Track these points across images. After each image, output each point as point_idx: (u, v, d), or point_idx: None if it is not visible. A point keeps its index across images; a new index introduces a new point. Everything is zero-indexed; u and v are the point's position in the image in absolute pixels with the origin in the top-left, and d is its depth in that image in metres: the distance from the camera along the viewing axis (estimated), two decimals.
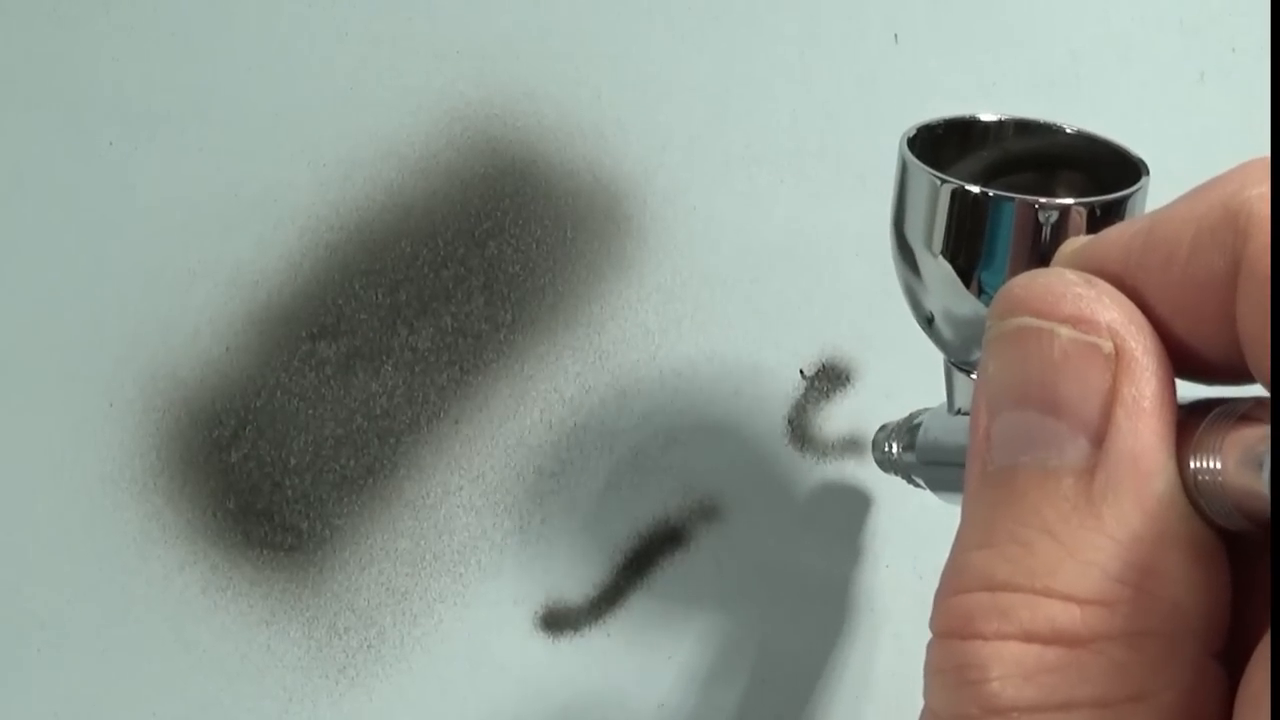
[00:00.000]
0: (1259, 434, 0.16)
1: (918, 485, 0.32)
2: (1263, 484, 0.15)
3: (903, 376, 0.36)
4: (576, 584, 0.34)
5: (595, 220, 0.34)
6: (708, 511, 0.35)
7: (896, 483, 0.36)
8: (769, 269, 0.35)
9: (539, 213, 0.33)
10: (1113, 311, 0.17)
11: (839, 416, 0.36)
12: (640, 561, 0.35)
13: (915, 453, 0.31)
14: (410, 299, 0.33)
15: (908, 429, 0.32)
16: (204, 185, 0.31)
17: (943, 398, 0.34)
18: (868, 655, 0.36)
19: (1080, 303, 0.18)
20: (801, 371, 0.35)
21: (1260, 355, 0.17)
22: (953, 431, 0.29)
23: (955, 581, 0.18)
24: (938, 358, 0.33)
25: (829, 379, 0.36)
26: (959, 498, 0.29)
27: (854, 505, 0.36)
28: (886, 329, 0.36)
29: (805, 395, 0.35)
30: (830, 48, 0.35)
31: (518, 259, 0.33)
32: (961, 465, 0.27)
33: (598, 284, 0.34)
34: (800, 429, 0.35)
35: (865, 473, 0.36)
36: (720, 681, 0.36)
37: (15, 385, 0.31)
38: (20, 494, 0.31)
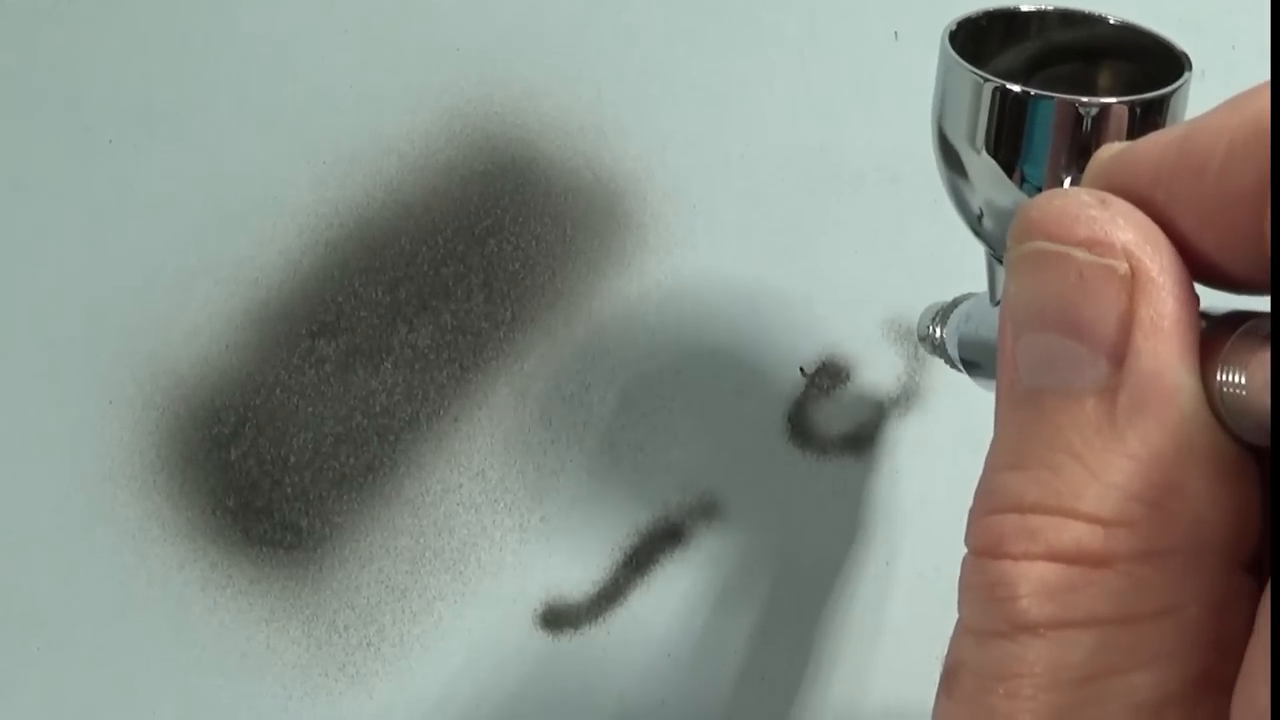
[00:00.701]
0: None
1: (960, 370, 0.32)
2: None
3: (903, 375, 0.36)
4: (576, 582, 0.34)
5: (595, 218, 0.34)
6: (708, 510, 0.35)
7: (897, 481, 0.36)
8: (768, 266, 0.35)
9: (539, 210, 0.33)
10: (1128, 232, 0.18)
11: (839, 414, 0.36)
12: (640, 559, 0.35)
13: (958, 343, 0.31)
14: (410, 296, 0.33)
15: (950, 314, 0.32)
16: (204, 183, 0.31)
17: (941, 392, 0.34)
18: (866, 651, 0.36)
19: (1094, 225, 0.18)
20: (801, 369, 0.35)
21: None
22: (992, 323, 0.29)
23: (987, 501, 0.18)
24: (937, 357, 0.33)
25: (829, 377, 0.36)
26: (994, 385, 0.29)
27: (854, 503, 0.36)
28: (887, 327, 0.36)
29: (805, 393, 0.35)
30: (830, 47, 0.35)
31: (517, 256, 0.33)
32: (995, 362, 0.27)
33: (597, 282, 0.34)
34: (800, 427, 0.35)
35: (865, 471, 0.36)
36: (720, 679, 0.36)
37: (15, 383, 0.31)
38: (20, 492, 0.31)
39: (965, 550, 0.18)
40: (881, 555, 0.36)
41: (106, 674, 0.31)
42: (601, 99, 0.34)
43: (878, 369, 0.36)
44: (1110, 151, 0.20)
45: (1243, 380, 0.17)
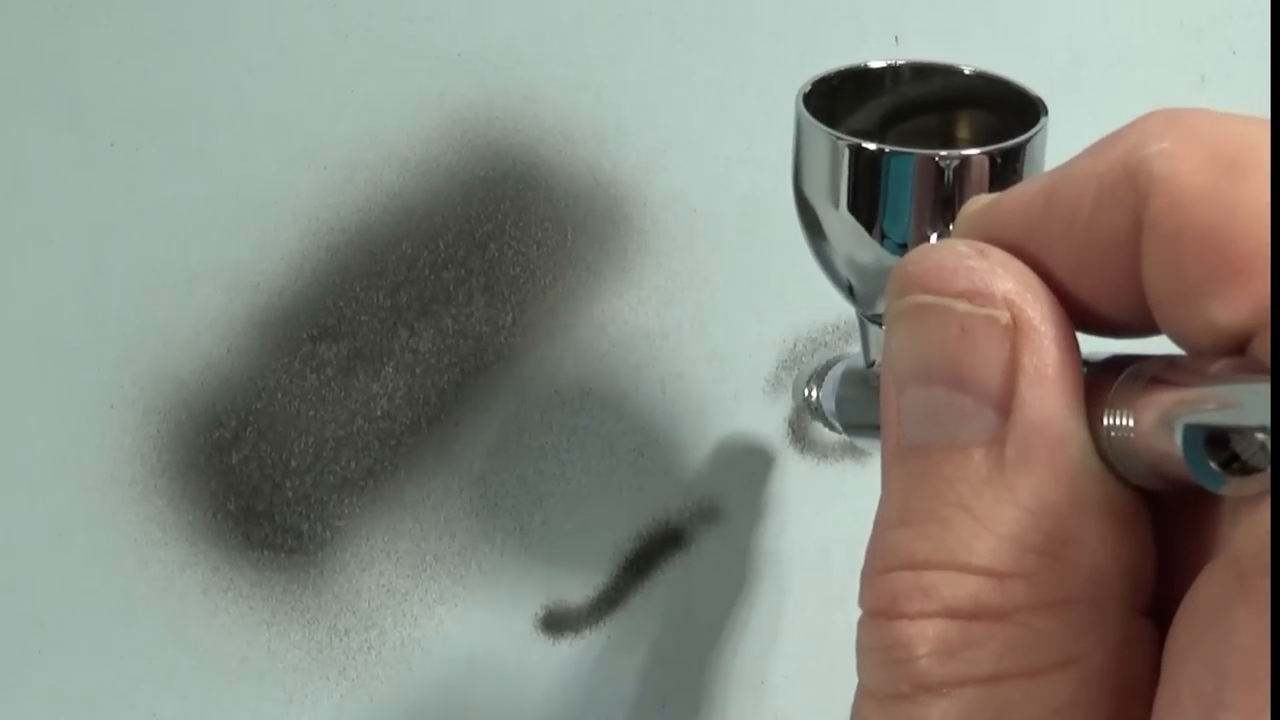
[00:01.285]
0: (1171, 397, 0.16)
1: (836, 431, 0.32)
2: (1175, 447, 0.15)
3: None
4: (577, 586, 0.34)
5: (596, 222, 0.34)
6: (708, 513, 0.35)
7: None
8: (769, 269, 0.35)
9: (540, 215, 0.33)
10: (1007, 281, 0.17)
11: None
12: (641, 563, 0.35)
13: (835, 406, 0.31)
14: (411, 301, 0.33)
15: (824, 376, 0.32)
16: (205, 187, 0.31)
17: None
18: None
19: (974, 275, 0.17)
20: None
21: (1167, 313, 0.17)
22: (867, 384, 0.29)
23: (879, 561, 0.18)
24: None
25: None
26: (876, 445, 0.29)
27: (854, 507, 0.36)
28: None
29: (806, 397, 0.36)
30: (830, 48, 0.35)
31: (518, 261, 0.33)
32: (875, 423, 0.27)
33: (598, 286, 0.34)
34: (800, 431, 0.36)
35: (866, 474, 0.36)
36: (720, 683, 0.36)
37: (16, 387, 0.31)
38: (21, 495, 0.31)
39: (859, 613, 0.18)
40: None
41: (107, 676, 0.32)
42: (602, 104, 0.34)
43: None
44: (978, 205, 0.19)
45: (1130, 423, 0.16)
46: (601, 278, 0.34)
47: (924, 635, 0.17)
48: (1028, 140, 0.24)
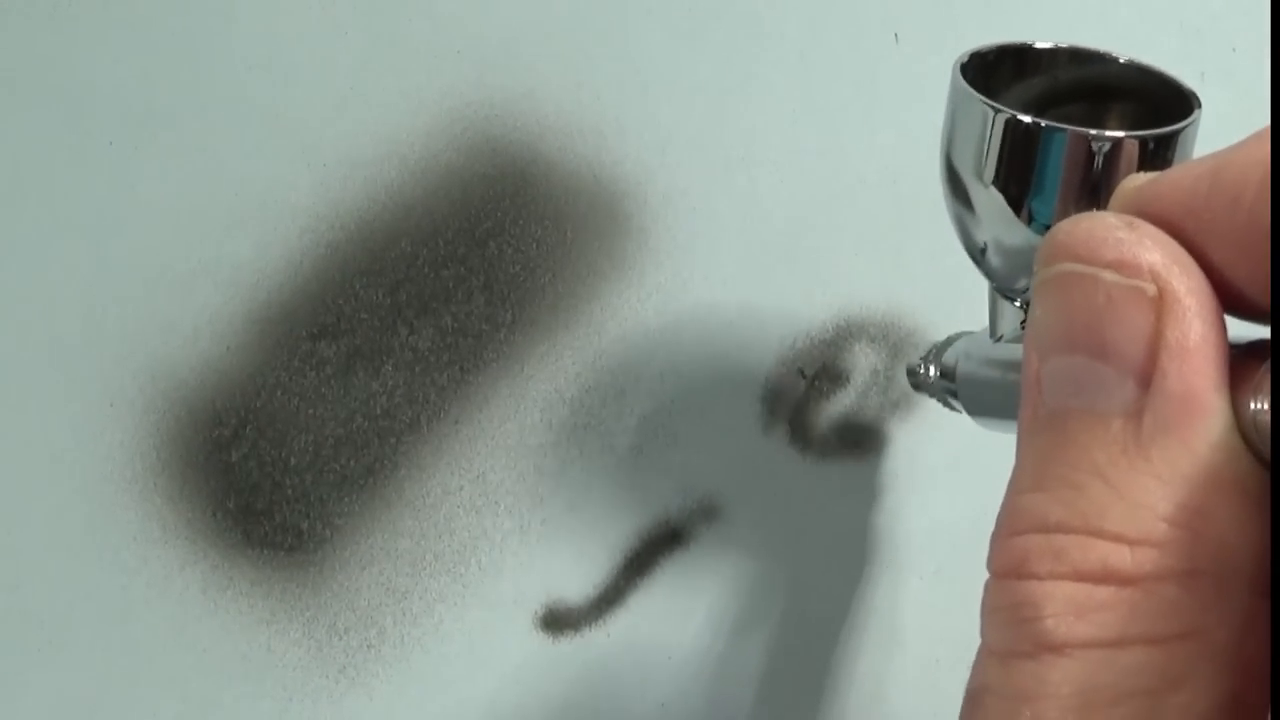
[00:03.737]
0: None
1: (953, 408, 0.32)
2: None
3: (902, 375, 0.36)
4: (577, 584, 0.34)
5: (595, 220, 0.34)
6: (708, 512, 0.35)
7: (896, 484, 0.36)
8: (769, 269, 0.35)
9: (539, 213, 0.33)
10: (1155, 254, 0.18)
11: (839, 417, 0.36)
12: (641, 562, 0.35)
13: (955, 378, 0.31)
14: (411, 299, 0.33)
15: (943, 352, 0.32)
16: (204, 185, 0.31)
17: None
18: (866, 654, 0.36)
19: (1122, 247, 0.18)
20: (801, 371, 0.35)
21: None
22: (993, 358, 0.29)
23: (1011, 523, 0.18)
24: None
25: (829, 380, 0.36)
26: (996, 423, 0.29)
27: (854, 505, 0.36)
28: (887, 330, 0.36)
29: (805, 395, 0.35)
30: (830, 48, 0.35)
31: (518, 259, 0.33)
32: (999, 392, 0.27)
33: (598, 284, 0.34)
34: (801, 430, 0.35)
35: (865, 474, 0.36)
36: (721, 682, 0.36)
37: (15, 385, 0.31)
38: (20, 494, 0.31)
39: (987, 575, 0.18)
40: (880, 558, 0.36)
41: (107, 675, 0.31)
42: (602, 101, 0.34)
43: (878, 371, 0.36)
44: (1137, 181, 0.19)
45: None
46: (601, 276, 0.34)
47: (1051, 596, 0.17)
48: (1181, 129, 0.24)
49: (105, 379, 0.31)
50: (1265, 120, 0.38)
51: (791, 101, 0.35)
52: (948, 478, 0.36)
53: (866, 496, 0.36)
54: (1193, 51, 0.38)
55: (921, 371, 0.33)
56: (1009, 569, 0.18)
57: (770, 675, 0.36)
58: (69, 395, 0.31)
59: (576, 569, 0.34)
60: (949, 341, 0.32)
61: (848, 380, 0.36)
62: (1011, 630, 0.18)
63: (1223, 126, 0.39)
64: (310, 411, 0.32)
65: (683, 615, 0.35)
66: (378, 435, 0.33)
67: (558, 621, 0.34)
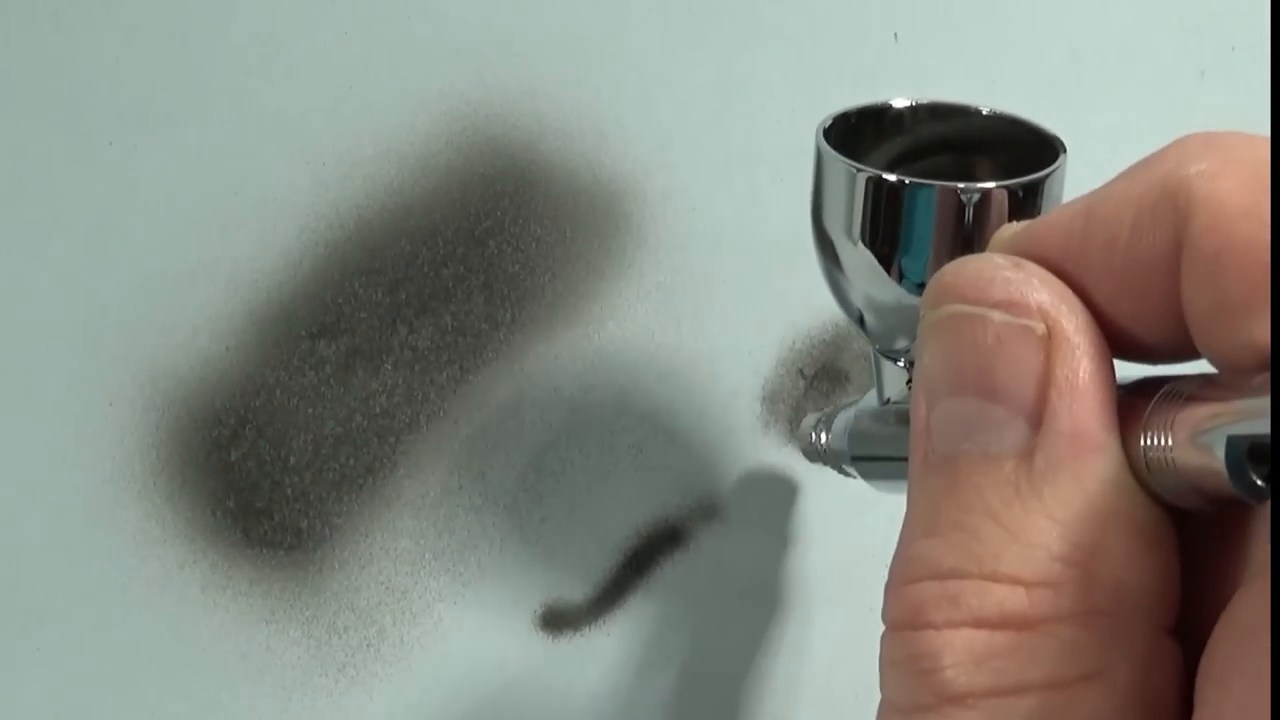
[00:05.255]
0: (1208, 412, 0.16)
1: (848, 475, 0.32)
2: (1217, 459, 0.15)
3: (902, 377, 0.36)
4: (576, 583, 0.34)
5: (595, 219, 0.34)
6: (707, 511, 0.35)
7: (899, 495, 0.36)
8: (769, 269, 0.35)
9: (539, 212, 0.33)
10: (1043, 293, 0.17)
11: (842, 431, 0.36)
12: (640, 561, 0.35)
13: (847, 442, 0.31)
14: (410, 298, 0.33)
15: (834, 418, 0.32)
16: (204, 185, 0.31)
17: None
18: (868, 654, 0.36)
19: (1010, 286, 0.18)
20: (801, 371, 0.35)
21: (1207, 331, 0.17)
22: (882, 421, 0.29)
23: (904, 572, 0.18)
24: None
25: (829, 379, 0.36)
26: (891, 485, 0.29)
27: (854, 505, 0.36)
28: None
29: (805, 395, 0.35)
30: (830, 46, 0.35)
31: (517, 258, 0.33)
32: (892, 456, 0.27)
33: (597, 283, 0.34)
34: (804, 445, 0.35)
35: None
36: (720, 681, 0.36)
37: (15, 385, 0.31)
38: (20, 494, 0.31)
39: (882, 627, 0.18)
40: (880, 557, 0.36)
41: (106, 674, 0.31)
42: (601, 100, 0.34)
43: None
44: (1012, 230, 0.19)
45: (1168, 440, 0.16)
46: (601, 275, 0.34)
47: (950, 645, 0.17)
48: (1048, 175, 0.24)
49: (105, 378, 0.31)
50: (1265, 121, 0.38)
51: (791, 101, 0.35)
52: None
53: (865, 496, 0.36)
54: (1193, 51, 0.38)
55: (813, 440, 0.33)
56: (905, 620, 0.17)
57: (770, 675, 0.36)
58: (69, 395, 0.31)
59: (576, 568, 0.34)
60: (837, 410, 0.32)
61: (847, 380, 0.36)
62: (911, 682, 0.17)
63: (1223, 125, 0.39)
64: (309, 411, 0.32)
65: (682, 615, 0.35)
66: (377, 434, 0.33)
67: (557, 620, 0.34)
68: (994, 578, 0.17)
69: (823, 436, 0.32)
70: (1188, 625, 0.17)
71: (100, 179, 0.31)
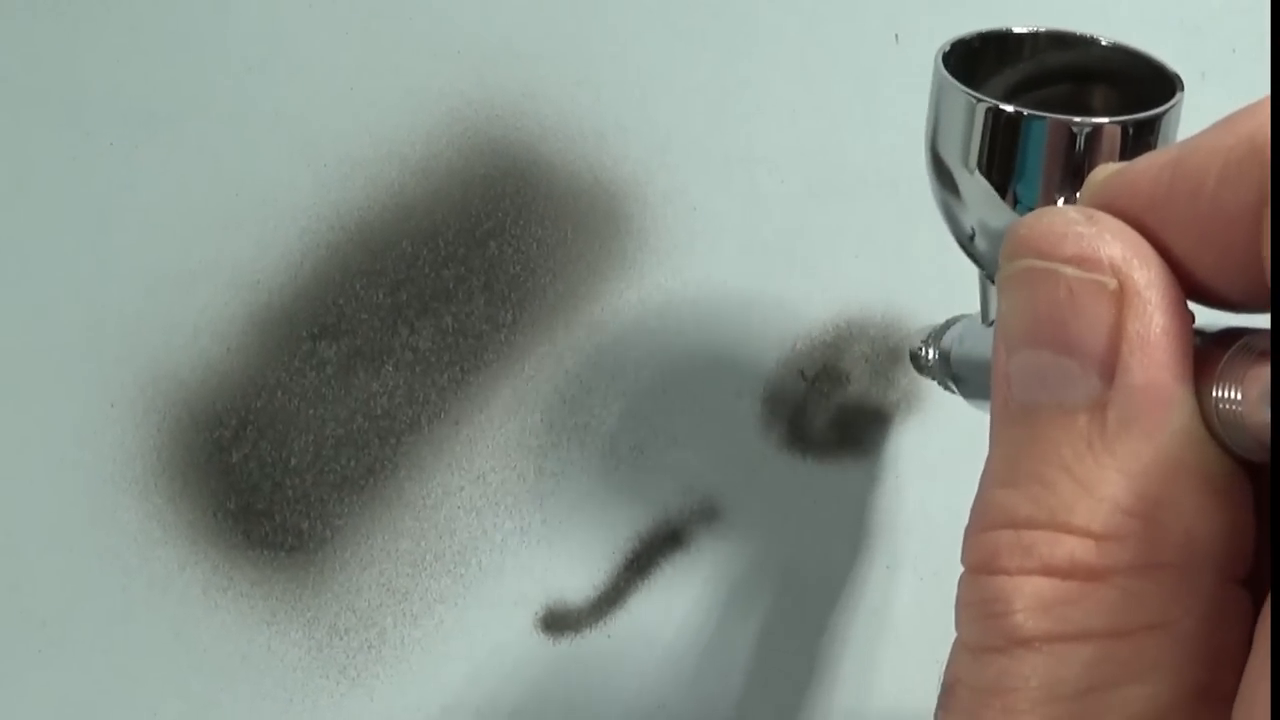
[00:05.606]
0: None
1: (951, 390, 0.32)
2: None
3: (902, 377, 0.36)
4: (577, 585, 0.34)
5: (596, 221, 0.34)
6: (708, 513, 0.35)
7: (897, 485, 0.36)
8: (769, 269, 0.35)
9: (540, 213, 0.33)
10: (1115, 247, 0.18)
11: (840, 419, 0.36)
12: (641, 563, 0.35)
13: (950, 363, 0.31)
14: (411, 299, 0.33)
15: (943, 335, 0.32)
16: (204, 185, 0.31)
17: (941, 396, 0.34)
18: (868, 655, 0.36)
19: (1082, 241, 0.18)
20: (802, 373, 0.35)
21: None
22: (985, 342, 0.29)
23: (982, 518, 0.18)
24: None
25: (830, 381, 0.36)
26: (988, 406, 0.29)
27: (854, 506, 0.36)
28: (887, 331, 0.36)
29: (806, 396, 0.35)
30: (830, 48, 0.35)
31: (518, 259, 0.33)
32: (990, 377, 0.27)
33: (598, 284, 0.34)
34: (801, 431, 0.35)
35: (866, 475, 0.36)
36: (720, 682, 0.36)
37: (16, 386, 0.31)
38: (20, 494, 0.31)
39: (961, 568, 0.19)
40: (882, 559, 0.36)
41: (107, 676, 0.31)
42: (602, 102, 0.34)
43: (878, 373, 0.36)
44: (1105, 172, 0.20)
45: (1238, 396, 0.17)
46: (602, 276, 0.34)
47: (1021, 591, 0.17)
48: (1162, 114, 0.24)
49: (106, 380, 0.31)
50: (1264, 119, 0.38)
51: (791, 101, 0.35)
52: (947, 478, 0.36)
53: (866, 497, 0.36)
54: (1193, 51, 0.38)
55: (922, 354, 0.33)
56: (980, 564, 0.18)
57: (770, 675, 0.36)
58: (69, 396, 0.31)
59: (576, 569, 0.34)
60: (947, 324, 0.33)
61: (848, 381, 0.36)
62: (983, 624, 0.18)
63: None
64: (311, 412, 0.32)
65: (683, 616, 0.35)
66: (378, 436, 0.33)
67: (558, 621, 0.34)
68: (1066, 529, 0.17)
69: (930, 352, 0.33)
70: (1261, 575, 0.17)
71: (101, 180, 0.31)
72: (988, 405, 0.29)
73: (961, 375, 0.31)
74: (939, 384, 0.33)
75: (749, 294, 0.35)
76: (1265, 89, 0.39)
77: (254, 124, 0.31)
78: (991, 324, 0.29)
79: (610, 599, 0.34)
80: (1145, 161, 0.19)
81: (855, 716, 0.36)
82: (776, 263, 0.35)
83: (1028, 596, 0.17)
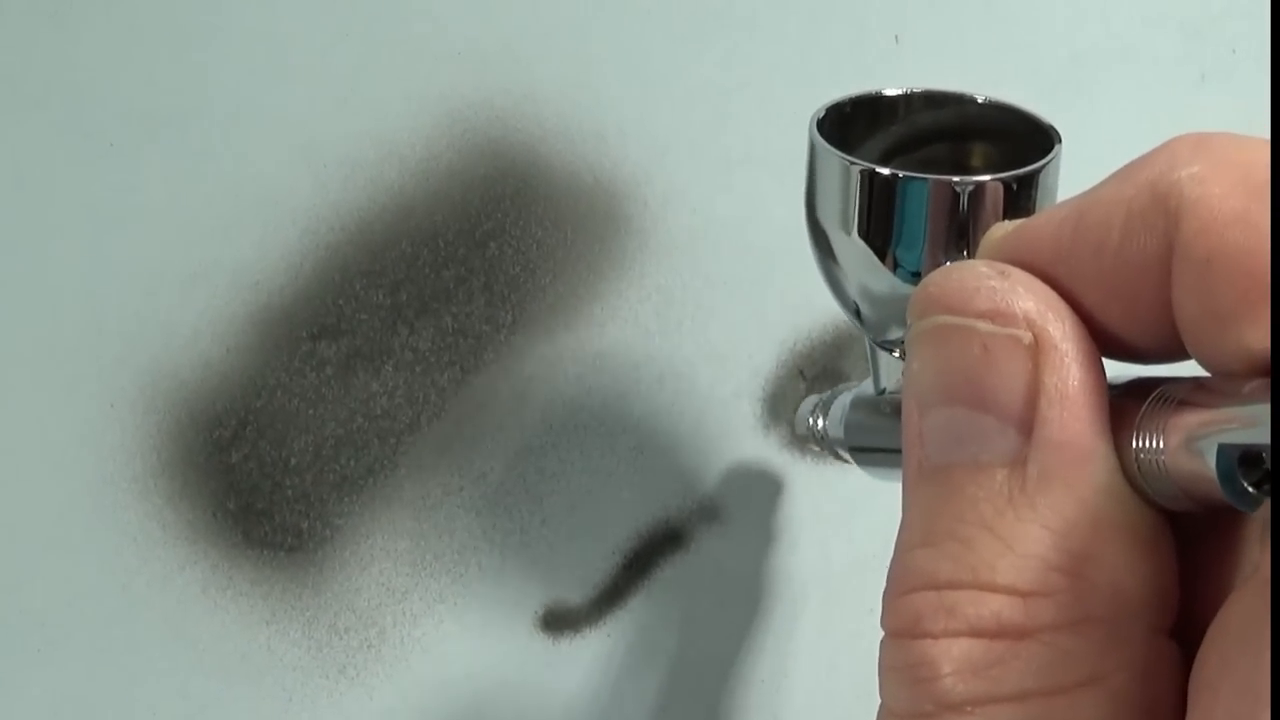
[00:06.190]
0: (1200, 419, 0.16)
1: (845, 461, 0.32)
2: (1208, 467, 0.16)
3: (903, 379, 0.36)
4: (577, 585, 0.34)
5: (596, 222, 0.34)
6: (708, 513, 0.35)
7: (897, 484, 0.36)
8: (769, 269, 0.35)
9: (540, 214, 0.33)
10: (1029, 301, 0.17)
11: (840, 419, 0.36)
12: (640, 562, 0.35)
13: (844, 431, 0.31)
14: (411, 299, 0.33)
15: (831, 405, 0.32)
16: (204, 186, 0.31)
17: None
18: (867, 655, 0.36)
19: (995, 295, 0.18)
20: (802, 373, 0.36)
21: (1198, 337, 0.17)
22: (878, 412, 0.29)
23: (902, 581, 0.18)
24: None
25: (830, 380, 0.36)
26: (887, 474, 0.29)
27: (853, 506, 0.36)
28: None
29: (806, 397, 0.36)
30: (830, 48, 0.35)
31: (518, 260, 0.33)
32: (888, 448, 0.27)
33: (598, 285, 0.34)
34: (801, 431, 0.35)
35: (865, 474, 0.36)
36: (720, 682, 0.36)
37: (16, 386, 0.31)
38: (20, 494, 0.31)
39: (881, 634, 0.18)
40: (880, 559, 0.36)
41: (107, 675, 0.32)
42: (602, 103, 0.34)
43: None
44: (1002, 230, 0.19)
45: (1160, 444, 0.17)
46: (602, 276, 0.34)
47: (948, 654, 0.17)
48: (1042, 167, 0.24)
49: (106, 380, 0.31)
50: (1265, 122, 0.38)
51: (791, 102, 0.35)
52: None
53: (865, 497, 0.36)
54: (1193, 52, 0.38)
55: (814, 429, 0.33)
56: (903, 628, 0.18)
57: (769, 676, 0.36)
58: (69, 396, 0.31)
59: (576, 570, 0.34)
60: (833, 395, 0.32)
61: (848, 381, 0.36)
62: (910, 690, 0.17)
63: (1223, 127, 0.39)
64: (310, 412, 0.32)
65: (682, 616, 0.35)
66: (378, 436, 0.33)
67: (558, 622, 0.34)
68: (990, 587, 0.17)
69: (819, 422, 0.33)
70: (1189, 626, 0.17)
71: (101, 180, 0.31)
72: (886, 474, 0.29)
73: (858, 444, 0.31)
74: (831, 456, 0.33)
75: (749, 294, 0.35)
76: (1265, 89, 0.39)
77: (254, 125, 0.31)
78: (884, 392, 0.29)
79: (610, 599, 0.35)
80: (1044, 217, 0.19)
81: (853, 715, 0.36)
82: (777, 263, 0.35)
83: (956, 659, 0.17)
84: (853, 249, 0.25)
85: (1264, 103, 0.38)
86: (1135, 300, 0.17)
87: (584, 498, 0.34)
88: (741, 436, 0.35)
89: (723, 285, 0.35)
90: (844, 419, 0.31)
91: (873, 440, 0.30)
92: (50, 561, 0.31)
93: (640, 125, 0.34)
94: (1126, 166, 0.18)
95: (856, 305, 0.26)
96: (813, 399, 0.33)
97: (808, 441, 0.34)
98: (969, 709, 0.17)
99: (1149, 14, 0.38)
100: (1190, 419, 0.16)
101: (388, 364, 0.33)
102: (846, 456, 0.31)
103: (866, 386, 0.30)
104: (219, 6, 0.31)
